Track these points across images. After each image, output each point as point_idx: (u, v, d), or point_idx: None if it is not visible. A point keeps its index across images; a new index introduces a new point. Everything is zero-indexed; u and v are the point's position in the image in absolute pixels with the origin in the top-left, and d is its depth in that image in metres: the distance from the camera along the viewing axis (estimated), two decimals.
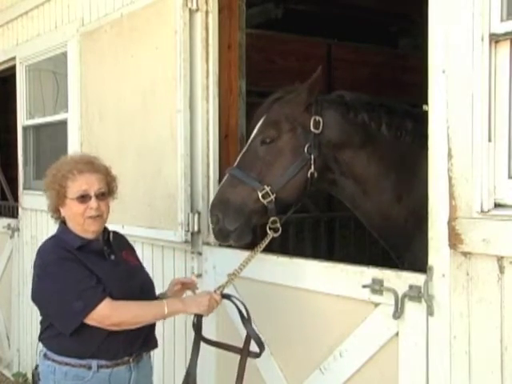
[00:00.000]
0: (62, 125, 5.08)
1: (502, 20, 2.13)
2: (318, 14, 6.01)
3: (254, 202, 2.85)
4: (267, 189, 2.82)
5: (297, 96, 2.97)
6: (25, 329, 5.88)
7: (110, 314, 2.53)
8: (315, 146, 2.89)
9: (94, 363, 2.60)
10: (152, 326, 2.79)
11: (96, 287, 2.55)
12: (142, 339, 2.72)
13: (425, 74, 2.36)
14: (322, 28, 5.80)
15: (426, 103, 2.37)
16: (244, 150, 3.00)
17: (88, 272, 2.58)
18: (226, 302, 2.80)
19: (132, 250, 2.97)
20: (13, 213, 6.51)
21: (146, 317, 2.62)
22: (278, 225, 2.89)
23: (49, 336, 2.68)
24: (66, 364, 2.61)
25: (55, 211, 2.79)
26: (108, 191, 2.76)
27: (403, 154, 3.04)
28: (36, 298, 2.68)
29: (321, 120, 2.91)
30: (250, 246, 3.04)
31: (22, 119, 5.83)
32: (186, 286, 2.97)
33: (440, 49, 2.29)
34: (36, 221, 5.64)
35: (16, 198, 6.35)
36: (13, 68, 5.98)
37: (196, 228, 3.64)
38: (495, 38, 2.14)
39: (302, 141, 2.91)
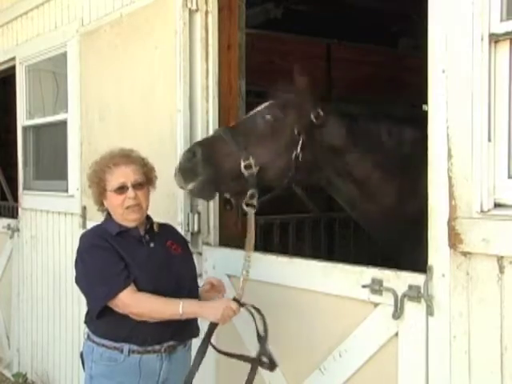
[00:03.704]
0: (62, 125, 5.07)
1: (501, 20, 2.13)
2: (317, 14, 6.01)
3: (233, 166, 2.78)
4: (251, 160, 2.76)
5: (305, 97, 2.98)
6: (25, 329, 5.88)
7: (129, 303, 2.64)
8: (307, 131, 2.88)
9: (125, 347, 2.71)
10: (186, 319, 2.78)
11: (120, 274, 2.66)
12: (173, 329, 2.74)
13: (425, 74, 2.36)
14: (321, 28, 5.79)
15: (426, 103, 2.37)
16: (239, 120, 2.98)
17: (117, 259, 2.70)
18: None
19: (178, 239, 3.02)
20: (13, 213, 6.52)
21: (163, 313, 2.67)
22: (255, 201, 2.79)
23: (90, 318, 2.80)
24: (103, 345, 2.75)
25: (100, 204, 2.91)
26: (146, 181, 2.87)
27: (403, 161, 3.03)
28: (75, 280, 2.83)
29: (321, 113, 2.91)
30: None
31: (22, 119, 5.83)
32: (215, 288, 2.95)
33: (440, 49, 2.29)
34: (36, 221, 5.63)
35: (16, 198, 6.35)
36: (13, 68, 5.98)
37: (196, 228, 3.65)
38: (495, 38, 2.14)
39: (297, 126, 2.88)
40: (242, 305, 2.69)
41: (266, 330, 2.73)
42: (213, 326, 2.72)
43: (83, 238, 2.86)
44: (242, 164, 2.75)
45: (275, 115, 2.89)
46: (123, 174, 2.78)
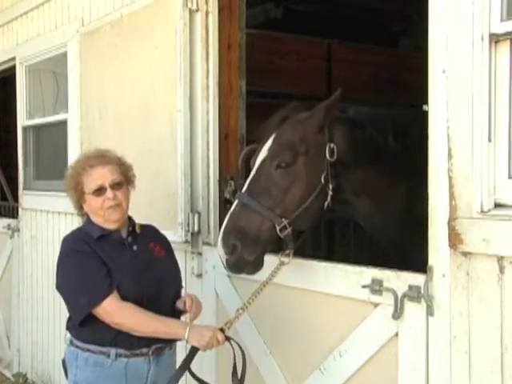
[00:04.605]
0: (62, 125, 5.07)
1: (501, 20, 2.13)
2: (318, 13, 6.01)
3: (270, 234, 2.69)
4: (285, 222, 2.66)
5: (310, 117, 2.81)
6: (25, 329, 5.89)
7: (112, 312, 2.59)
8: (332, 175, 2.76)
9: (112, 351, 2.66)
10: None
11: (102, 282, 2.60)
12: None
13: (425, 74, 2.36)
14: (322, 28, 5.79)
15: (426, 103, 2.37)
16: (253, 173, 2.79)
17: (99, 265, 2.64)
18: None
19: (161, 241, 2.97)
20: (13, 213, 6.52)
21: (146, 328, 2.62)
22: (291, 254, 2.74)
23: (73, 324, 2.74)
24: (88, 350, 2.69)
25: (79, 208, 2.85)
26: (125, 180, 2.82)
27: (412, 163, 2.99)
28: (56, 286, 2.78)
29: (335, 147, 2.76)
30: None
31: (22, 119, 5.83)
32: (185, 307, 2.85)
33: (440, 49, 2.29)
34: (36, 221, 5.64)
35: (16, 199, 6.35)
36: (13, 68, 5.98)
37: (196, 228, 3.64)
38: (495, 38, 2.14)
39: (317, 168, 2.75)
40: (227, 338, 2.67)
41: (243, 370, 2.70)
42: (194, 351, 2.68)
43: (64, 242, 2.79)
44: (278, 228, 2.67)
45: (290, 161, 2.72)
46: (100, 175, 2.72)
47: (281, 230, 2.67)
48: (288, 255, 2.74)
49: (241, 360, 2.72)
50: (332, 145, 2.76)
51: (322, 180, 2.74)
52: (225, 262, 2.69)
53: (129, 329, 2.61)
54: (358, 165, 2.90)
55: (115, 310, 2.59)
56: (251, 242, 2.66)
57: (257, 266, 2.72)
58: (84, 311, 2.62)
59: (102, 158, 2.80)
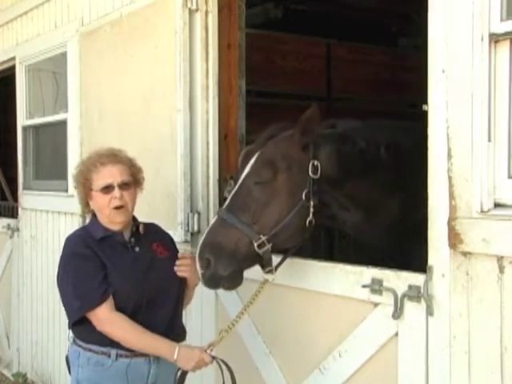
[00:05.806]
0: (62, 125, 5.07)
1: (501, 20, 2.13)
2: (318, 13, 6.02)
3: (247, 250, 2.65)
4: (263, 238, 2.62)
5: (291, 136, 2.78)
6: (24, 329, 5.89)
7: (103, 320, 2.61)
8: (314, 192, 2.71)
9: (113, 351, 2.67)
10: (172, 321, 2.78)
11: (98, 288, 2.60)
12: (160, 332, 2.69)
13: (425, 74, 2.36)
14: (321, 28, 5.79)
15: (426, 103, 2.37)
16: (235, 190, 2.76)
17: (97, 270, 2.64)
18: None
19: (165, 241, 2.95)
20: (12, 213, 6.52)
21: (134, 343, 2.64)
22: (273, 271, 2.73)
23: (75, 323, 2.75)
24: (90, 350, 2.71)
25: (86, 205, 2.85)
26: (133, 182, 2.81)
27: (404, 173, 2.97)
28: (57, 283, 2.79)
29: (319, 165, 2.72)
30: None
31: (22, 119, 5.83)
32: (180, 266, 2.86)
33: (440, 49, 2.29)
34: (36, 221, 5.64)
35: (16, 198, 6.35)
36: (12, 68, 5.98)
37: (196, 228, 3.64)
38: (495, 38, 2.14)
39: (299, 184, 2.70)
40: (213, 357, 2.68)
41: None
42: (185, 374, 2.71)
43: (67, 242, 2.79)
44: (255, 244, 2.63)
45: (269, 177, 2.70)
46: (110, 174, 2.72)
47: (259, 247, 2.63)
48: (271, 272, 2.73)
49: (229, 377, 2.72)
50: (316, 162, 2.72)
51: (303, 197, 2.70)
52: (200, 276, 2.69)
53: (118, 340, 2.63)
54: (346, 180, 2.85)
55: (106, 319, 2.61)
56: (226, 257, 2.64)
57: (233, 281, 2.70)
58: (75, 315, 2.65)
59: (113, 156, 2.79)
